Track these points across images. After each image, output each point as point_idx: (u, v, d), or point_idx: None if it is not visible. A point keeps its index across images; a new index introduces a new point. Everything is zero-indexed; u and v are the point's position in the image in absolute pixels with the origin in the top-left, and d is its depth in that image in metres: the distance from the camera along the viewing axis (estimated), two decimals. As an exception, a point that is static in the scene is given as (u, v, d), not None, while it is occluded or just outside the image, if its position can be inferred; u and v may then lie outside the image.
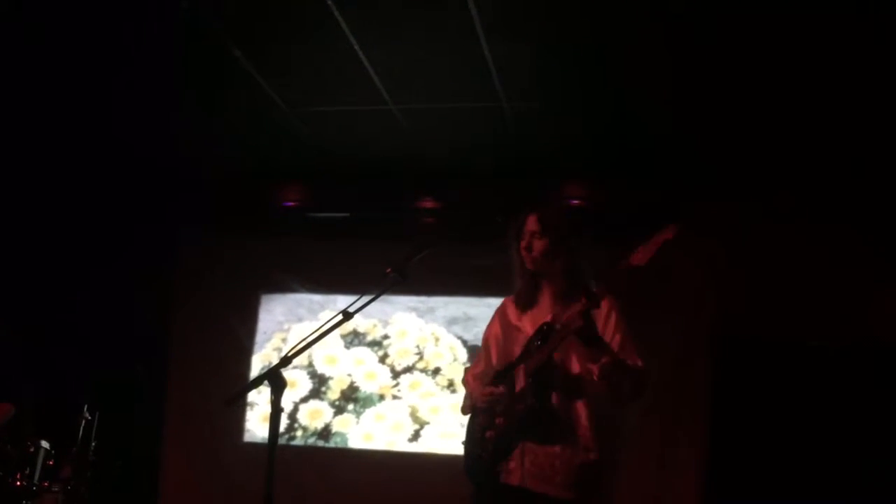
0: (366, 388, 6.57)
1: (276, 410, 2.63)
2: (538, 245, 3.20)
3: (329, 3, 4.15)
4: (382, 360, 6.62)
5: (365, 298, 2.94)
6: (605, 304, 3.04)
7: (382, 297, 3.01)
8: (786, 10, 4.04)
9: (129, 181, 6.51)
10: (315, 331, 2.82)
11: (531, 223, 3.23)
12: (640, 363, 3.07)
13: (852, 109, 4.96)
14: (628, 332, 3.12)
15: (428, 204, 6.43)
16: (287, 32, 4.53)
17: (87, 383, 5.48)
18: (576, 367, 3.13)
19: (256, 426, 6.59)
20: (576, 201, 6.14)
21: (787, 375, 5.66)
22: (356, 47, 4.58)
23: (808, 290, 5.74)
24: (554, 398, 3.09)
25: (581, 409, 3.09)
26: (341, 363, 6.65)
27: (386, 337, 6.66)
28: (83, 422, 5.19)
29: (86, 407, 5.22)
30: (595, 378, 3.01)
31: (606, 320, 3.11)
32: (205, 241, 6.83)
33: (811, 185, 5.75)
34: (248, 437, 6.58)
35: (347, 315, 2.82)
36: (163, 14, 4.32)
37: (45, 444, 4.78)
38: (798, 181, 5.76)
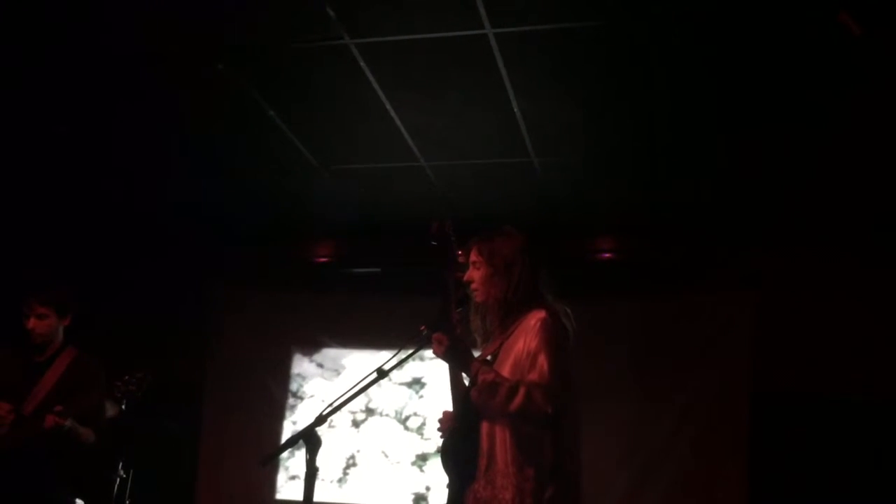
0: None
1: (312, 470, 2.62)
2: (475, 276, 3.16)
3: (361, 64, 4.22)
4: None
5: (400, 356, 2.94)
6: (533, 317, 2.83)
7: (416, 355, 3.01)
8: (822, 72, 4.06)
9: (161, 237, 6.60)
10: (350, 389, 2.81)
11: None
12: (546, 375, 2.67)
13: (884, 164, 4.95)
14: (547, 346, 2.73)
15: (460, 259, 6.39)
16: (320, 92, 4.61)
17: (121, 440, 5.48)
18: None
19: (291, 485, 6.55)
20: (606, 255, 6.15)
21: (828, 431, 5.56)
22: (388, 106, 4.64)
23: (848, 344, 5.65)
24: (483, 427, 2.80)
25: (500, 437, 2.75)
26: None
27: (421, 397, 6.61)
28: (117, 479, 5.19)
29: (120, 464, 5.22)
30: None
31: (529, 332, 2.80)
32: (238, 296, 6.88)
33: (845, 236, 5.72)
34: (280, 495, 6.54)
35: (382, 373, 2.82)
36: (199, 75, 4.42)
37: (79, 502, 4.77)
38: (831, 233, 5.73)
